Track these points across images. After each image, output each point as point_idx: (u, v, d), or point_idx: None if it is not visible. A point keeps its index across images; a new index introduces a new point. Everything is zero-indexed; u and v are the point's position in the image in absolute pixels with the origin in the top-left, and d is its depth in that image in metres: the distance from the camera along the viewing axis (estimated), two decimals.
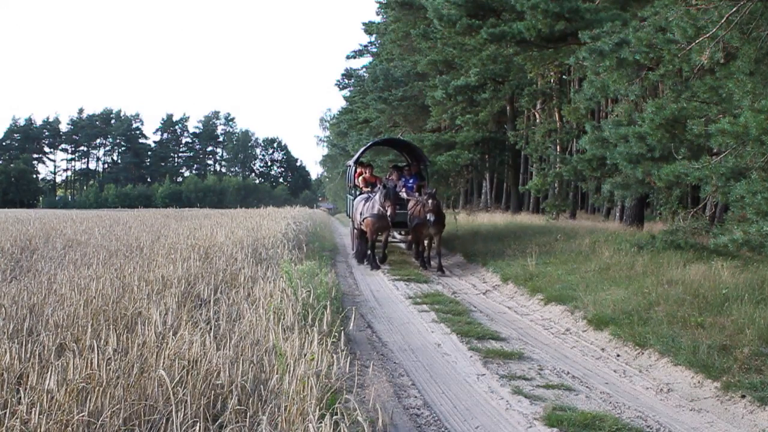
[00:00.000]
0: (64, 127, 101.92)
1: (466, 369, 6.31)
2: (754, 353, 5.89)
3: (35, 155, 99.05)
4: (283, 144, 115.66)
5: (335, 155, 60.32)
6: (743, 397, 5.24)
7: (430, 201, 12.56)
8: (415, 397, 5.49)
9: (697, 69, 8.90)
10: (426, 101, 26.82)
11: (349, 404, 4.10)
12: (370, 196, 13.91)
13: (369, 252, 13.74)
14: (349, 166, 17.90)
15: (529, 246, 13.07)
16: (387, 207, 12.90)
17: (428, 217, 12.38)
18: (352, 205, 15.84)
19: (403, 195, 14.50)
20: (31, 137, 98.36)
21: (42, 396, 3.73)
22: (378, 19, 41.81)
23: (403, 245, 17.19)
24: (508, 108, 26.24)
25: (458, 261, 14.85)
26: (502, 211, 27.21)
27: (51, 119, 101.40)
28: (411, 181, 15.27)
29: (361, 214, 13.81)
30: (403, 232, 16.19)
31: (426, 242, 13.70)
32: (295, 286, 7.37)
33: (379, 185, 14.64)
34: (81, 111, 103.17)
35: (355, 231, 14.97)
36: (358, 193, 15.61)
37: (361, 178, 16.13)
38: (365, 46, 48.03)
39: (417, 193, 14.38)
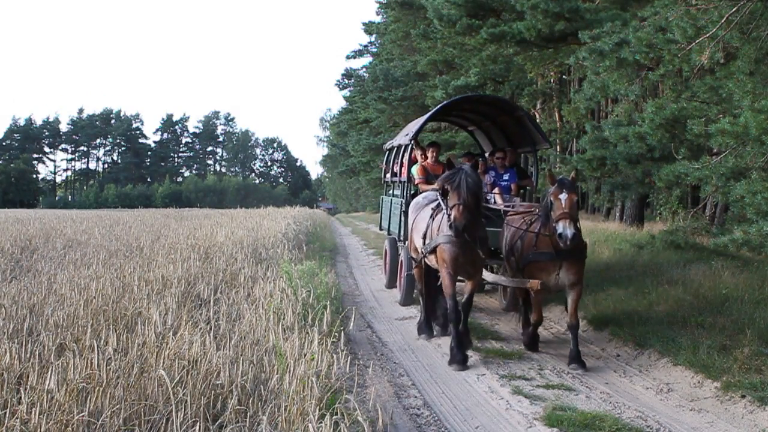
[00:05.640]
0: (64, 127, 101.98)
1: (467, 369, 6.30)
2: (754, 353, 5.89)
3: (35, 155, 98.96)
4: (283, 144, 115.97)
5: (335, 155, 60.30)
6: (743, 397, 5.24)
7: (563, 195, 6.06)
8: (415, 397, 5.49)
9: (697, 69, 8.88)
10: (426, 101, 26.80)
11: (349, 404, 4.10)
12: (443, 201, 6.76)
13: (452, 314, 6.51)
14: (399, 146, 10.64)
15: None
16: (454, 206, 6.20)
17: (561, 230, 5.96)
18: (398, 212, 9.65)
19: (495, 200, 8.52)
20: (31, 137, 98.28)
21: (42, 396, 3.73)
22: (378, 19, 41.89)
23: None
24: None
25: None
26: None
27: (51, 119, 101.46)
28: (506, 176, 9.01)
29: (425, 235, 7.08)
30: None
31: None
32: (295, 286, 7.37)
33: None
34: (81, 111, 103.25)
35: (413, 264, 7.92)
36: (410, 193, 9.18)
37: (417, 166, 9.28)
38: (365, 46, 48.10)
39: (518, 198, 8.72)
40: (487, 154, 10.22)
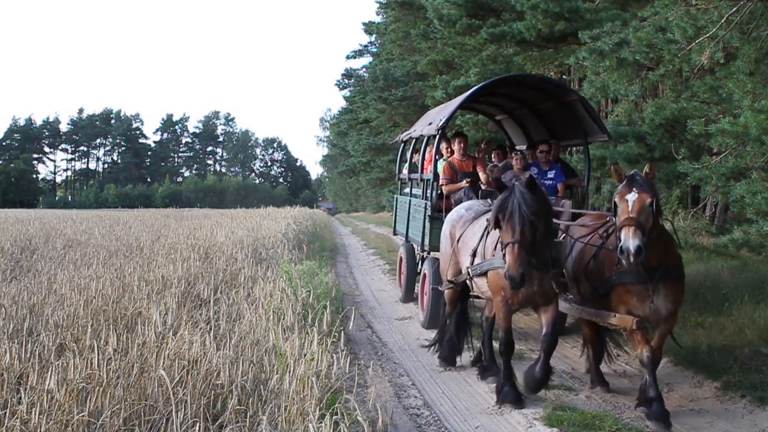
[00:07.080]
0: (64, 127, 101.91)
1: (466, 369, 6.30)
2: (754, 353, 5.89)
3: (35, 155, 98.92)
4: (283, 144, 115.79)
5: (335, 155, 60.30)
6: (743, 396, 5.25)
7: (630, 195, 4.59)
8: (415, 397, 5.50)
9: (697, 69, 8.89)
10: (426, 101, 26.78)
11: (349, 404, 4.10)
12: (490, 206, 5.50)
13: (503, 347, 5.42)
14: (420, 138, 9.27)
15: None
16: (507, 246, 4.74)
17: (622, 241, 4.49)
18: (420, 216, 8.35)
19: None
20: (31, 137, 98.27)
21: (42, 396, 3.73)
22: (378, 19, 41.80)
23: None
24: None
25: None
26: None
27: (51, 119, 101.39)
28: (551, 174, 7.76)
29: (476, 253, 5.63)
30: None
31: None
32: (295, 286, 7.37)
33: (483, 174, 7.68)
34: (81, 111, 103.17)
35: (446, 285, 6.42)
36: (436, 194, 7.98)
37: (441, 162, 8.14)
38: (365, 46, 48.00)
39: (567, 201, 7.43)
40: (524, 147, 8.72)
